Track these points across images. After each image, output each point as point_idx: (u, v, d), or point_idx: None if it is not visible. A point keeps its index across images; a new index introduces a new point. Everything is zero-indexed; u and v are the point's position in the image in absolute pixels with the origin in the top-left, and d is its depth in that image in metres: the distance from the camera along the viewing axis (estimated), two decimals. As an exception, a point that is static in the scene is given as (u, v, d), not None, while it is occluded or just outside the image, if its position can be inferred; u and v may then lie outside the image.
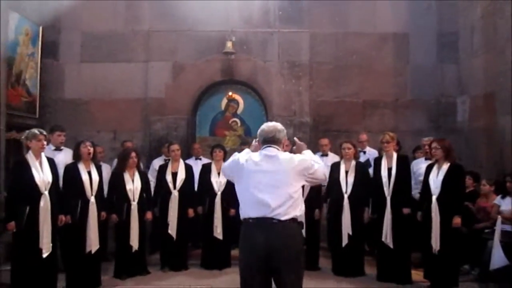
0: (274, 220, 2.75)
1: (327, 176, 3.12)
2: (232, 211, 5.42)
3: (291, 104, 7.21)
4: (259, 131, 3.02)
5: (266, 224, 2.75)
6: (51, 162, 4.50)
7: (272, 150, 2.91)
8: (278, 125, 3.02)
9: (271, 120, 7.04)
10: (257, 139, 3.06)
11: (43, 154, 4.42)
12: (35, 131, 4.32)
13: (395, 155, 5.11)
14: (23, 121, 6.36)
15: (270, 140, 2.94)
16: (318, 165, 2.96)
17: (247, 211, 2.86)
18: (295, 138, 5.38)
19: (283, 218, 2.76)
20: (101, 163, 5.84)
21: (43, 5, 6.74)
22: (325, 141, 6.53)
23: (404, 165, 5.09)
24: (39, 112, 6.83)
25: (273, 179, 2.80)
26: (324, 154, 6.45)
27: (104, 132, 7.19)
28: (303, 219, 3.00)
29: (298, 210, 2.85)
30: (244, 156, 3.00)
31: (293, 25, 7.26)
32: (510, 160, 5.81)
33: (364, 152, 6.39)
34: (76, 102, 7.20)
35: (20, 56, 6.41)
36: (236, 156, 3.06)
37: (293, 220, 2.81)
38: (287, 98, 7.21)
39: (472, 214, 5.42)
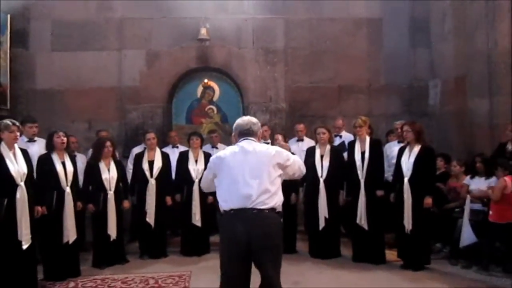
0: (253, 210, 2.82)
1: (303, 170, 3.17)
2: (210, 198, 5.45)
3: (267, 90, 7.25)
4: (234, 125, 3.12)
5: (246, 214, 2.82)
6: (25, 153, 4.42)
7: (248, 142, 3.00)
8: (253, 119, 3.13)
9: (247, 107, 7.25)
10: (233, 133, 3.13)
11: (16, 146, 4.35)
12: (8, 122, 4.24)
13: (368, 139, 5.22)
14: (-7, 112, 6.24)
15: (246, 132, 3.04)
16: (294, 158, 3.09)
17: (226, 203, 2.92)
18: (279, 137, 5.51)
19: (262, 207, 2.83)
20: (76, 153, 5.82)
21: (11, -7, 6.57)
22: (300, 126, 6.61)
23: (377, 148, 5.20)
24: (10, 103, 6.68)
25: (251, 170, 2.88)
26: (300, 139, 6.54)
27: (78, 122, 7.10)
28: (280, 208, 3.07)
29: (277, 200, 2.92)
30: (222, 151, 3.12)
31: (267, 11, 7.25)
32: (479, 141, 6.00)
33: (340, 137, 6.50)
34: (48, 92, 7.07)
35: (-12, 46, 6.26)
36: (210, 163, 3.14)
37: (272, 209, 2.89)
38: (263, 84, 7.24)
39: (443, 195, 5.59)
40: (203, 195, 5.54)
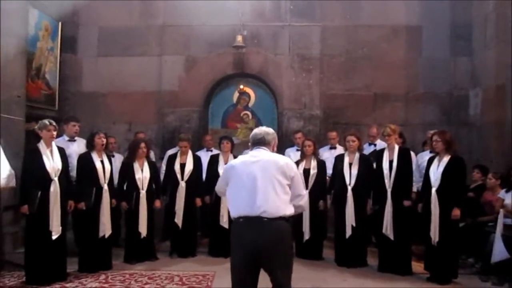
0: (263, 219, 2.84)
1: (305, 198, 3.17)
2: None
3: (301, 97, 7.29)
4: (251, 135, 3.18)
5: (255, 222, 2.85)
6: (61, 151, 4.76)
7: (259, 151, 3.05)
8: (269, 129, 3.17)
9: (281, 113, 7.33)
10: (249, 143, 3.19)
11: (53, 143, 4.69)
12: (46, 121, 4.59)
13: (396, 148, 5.15)
14: (43, 113, 6.64)
15: (258, 142, 3.08)
16: (300, 178, 3.11)
17: (236, 210, 2.95)
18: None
19: (272, 217, 2.85)
20: (114, 153, 6.12)
21: (62, 1, 7.02)
22: (333, 134, 6.61)
23: (405, 158, 5.12)
24: (58, 104, 7.13)
25: (259, 178, 2.90)
26: (333, 147, 6.54)
27: (119, 124, 7.45)
28: (306, 208, 3.11)
29: (285, 209, 2.92)
30: (234, 160, 3.21)
31: (304, 18, 7.32)
32: (518, 153, 5.76)
33: (375, 145, 6.43)
34: (93, 95, 7.47)
35: (40, 51, 6.71)
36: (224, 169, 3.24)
37: (282, 218, 2.89)
38: (298, 91, 7.29)
39: (478, 206, 5.40)
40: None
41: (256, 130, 3.17)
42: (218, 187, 3.28)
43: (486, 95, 6.67)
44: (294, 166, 3.10)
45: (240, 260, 2.90)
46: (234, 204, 2.99)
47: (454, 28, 7.24)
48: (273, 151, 3.13)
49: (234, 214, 2.98)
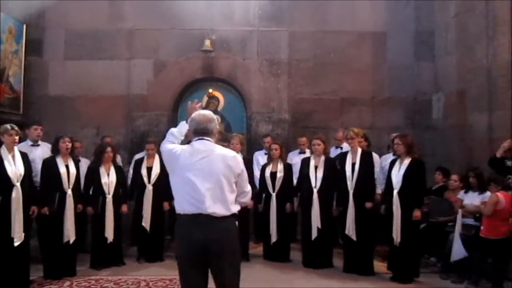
0: (211, 217, 2.72)
1: (249, 195, 3.02)
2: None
3: (270, 101, 7.37)
4: (189, 120, 2.94)
5: (203, 221, 2.71)
6: (24, 156, 4.69)
7: (202, 143, 2.83)
8: (210, 115, 2.92)
9: (250, 117, 7.38)
10: (188, 129, 2.99)
11: (16, 148, 4.61)
12: (7, 126, 4.52)
13: (359, 151, 5.27)
14: (7, 117, 6.48)
15: (201, 131, 2.85)
16: (246, 178, 2.96)
17: (182, 206, 2.78)
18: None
19: (220, 215, 2.74)
20: (81, 158, 6.04)
21: (27, 3, 6.90)
22: (303, 139, 6.71)
23: (367, 160, 5.26)
24: (24, 108, 7.00)
25: (205, 174, 2.75)
26: (302, 152, 6.63)
27: (87, 128, 7.34)
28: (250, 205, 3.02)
29: (234, 207, 2.83)
30: (177, 148, 2.90)
31: (272, 23, 7.41)
32: (478, 155, 5.97)
33: (341, 148, 6.54)
34: (60, 99, 7.35)
35: (4, 53, 6.58)
36: (170, 144, 2.95)
37: (230, 216, 2.79)
38: (266, 95, 7.37)
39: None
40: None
41: (196, 117, 2.89)
42: (164, 151, 2.96)
43: (448, 100, 6.90)
44: (241, 161, 2.92)
45: (188, 261, 2.76)
46: (178, 200, 2.81)
47: (417, 35, 7.46)
48: (215, 138, 2.91)
49: (179, 210, 2.81)
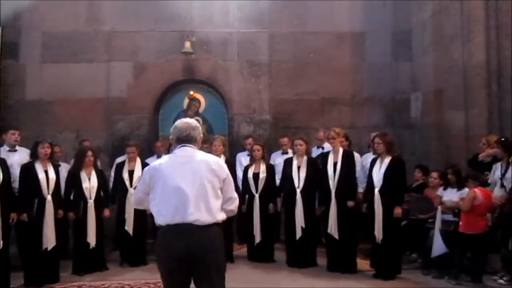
0: (194, 226, 2.60)
1: (236, 202, 2.87)
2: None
3: (251, 102, 7.39)
4: (172, 128, 2.85)
5: (186, 230, 2.59)
6: (2, 162, 4.60)
7: (185, 150, 2.76)
8: (193, 122, 2.85)
9: (231, 118, 7.38)
10: (170, 137, 2.91)
11: (-7, 155, 4.52)
12: (-17, 132, 4.42)
13: (341, 151, 5.34)
14: (-17, 122, 6.40)
15: (184, 139, 2.77)
16: (232, 180, 2.85)
17: (161, 217, 2.65)
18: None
19: (204, 224, 2.62)
20: (60, 163, 5.95)
21: (2, 5, 6.77)
22: (284, 140, 6.73)
23: (349, 160, 5.33)
24: (0, 113, 6.86)
25: (188, 181, 2.64)
26: (285, 152, 6.66)
27: (66, 132, 7.25)
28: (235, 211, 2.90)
29: (219, 214, 2.70)
30: (157, 161, 2.85)
31: (252, 25, 7.44)
32: (456, 153, 6.11)
33: (323, 148, 6.60)
34: (38, 103, 7.24)
35: (-21, 57, 6.45)
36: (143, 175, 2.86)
37: (214, 224, 2.67)
38: (247, 96, 7.39)
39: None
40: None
41: (179, 124, 2.81)
42: (137, 197, 2.91)
43: (426, 99, 7.04)
44: (226, 166, 2.83)
45: (169, 269, 2.64)
46: (161, 212, 2.66)
47: (395, 35, 7.58)
48: (198, 147, 2.83)
49: (160, 221, 2.67)
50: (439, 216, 5.09)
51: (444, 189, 5.37)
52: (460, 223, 4.87)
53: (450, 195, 5.24)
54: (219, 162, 2.80)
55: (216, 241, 2.68)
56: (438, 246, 4.97)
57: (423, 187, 5.92)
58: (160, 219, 2.67)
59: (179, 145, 2.78)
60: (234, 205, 2.86)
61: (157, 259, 2.76)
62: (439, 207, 5.14)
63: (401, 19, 7.53)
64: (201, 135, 2.87)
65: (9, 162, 4.93)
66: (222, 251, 2.76)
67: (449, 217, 5.15)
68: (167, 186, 2.65)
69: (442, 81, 6.52)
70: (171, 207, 2.62)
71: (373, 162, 5.14)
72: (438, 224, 5.05)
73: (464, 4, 6.02)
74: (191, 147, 2.77)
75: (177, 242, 2.59)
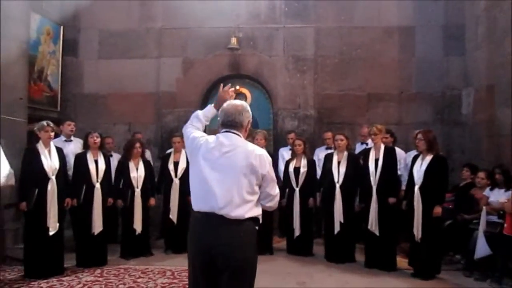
0: (223, 218, 2.45)
1: (276, 199, 2.65)
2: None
3: (296, 97, 7.44)
4: (220, 110, 2.68)
5: (214, 221, 2.46)
6: (59, 151, 4.99)
7: (228, 136, 2.55)
8: (240, 105, 2.62)
9: (276, 113, 7.47)
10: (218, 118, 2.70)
11: (52, 144, 4.91)
12: (44, 123, 4.82)
13: (382, 147, 5.28)
14: (45, 114, 6.87)
15: (229, 124, 2.58)
16: (273, 177, 2.62)
17: (196, 202, 2.56)
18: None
19: (232, 217, 2.45)
20: (113, 153, 6.32)
21: (63, 5, 7.28)
22: (328, 134, 6.74)
23: (390, 156, 5.26)
24: (60, 106, 7.37)
25: (225, 171, 2.48)
26: (329, 147, 6.67)
27: (119, 125, 7.65)
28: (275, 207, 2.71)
29: (252, 211, 2.52)
30: (200, 138, 2.63)
31: (298, 20, 7.47)
32: (505, 152, 5.84)
33: (366, 144, 6.55)
34: (94, 96, 7.70)
35: (42, 54, 6.95)
36: (194, 131, 2.73)
37: (247, 220, 2.49)
38: (292, 91, 7.44)
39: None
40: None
41: (226, 107, 2.62)
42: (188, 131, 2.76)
43: (478, 95, 6.75)
44: (269, 161, 2.57)
45: (196, 263, 2.52)
46: (194, 196, 2.58)
47: (446, 29, 7.33)
48: (245, 134, 2.63)
49: (194, 207, 2.57)
50: (483, 217, 4.91)
51: (491, 189, 5.18)
52: (505, 225, 4.68)
53: (497, 196, 5.05)
54: (261, 157, 2.53)
55: (246, 237, 2.49)
56: (482, 248, 4.80)
57: (471, 187, 5.72)
58: (193, 204, 2.57)
59: (223, 130, 2.60)
60: (273, 202, 2.64)
61: (188, 247, 2.60)
62: (484, 207, 4.97)
63: (453, 13, 7.26)
64: (250, 119, 2.65)
65: (65, 151, 5.30)
66: (253, 248, 2.55)
67: (495, 218, 4.96)
68: (202, 172, 2.51)
69: (494, 77, 6.22)
70: (204, 195, 2.50)
71: (414, 159, 5.05)
72: (482, 225, 4.88)
73: (518, -3, 5.72)
74: (235, 133, 2.57)
75: (205, 234, 2.47)
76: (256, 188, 2.54)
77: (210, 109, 2.86)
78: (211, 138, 2.61)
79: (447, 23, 7.32)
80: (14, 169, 4.91)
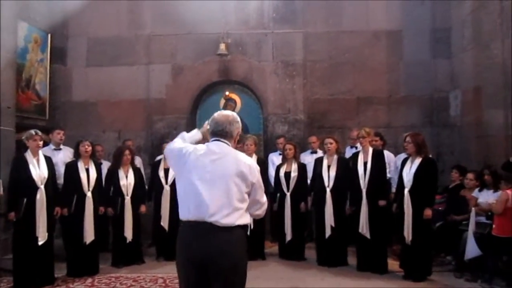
0: (212, 226, 2.45)
1: (264, 207, 2.71)
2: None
3: (286, 102, 7.46)
4: (210, 118, 2.70)
5: (204, 230, 2.46)
6: (48, 159, 4.95)
7: (218, 145, 2.58)
8: (231, 116, 2.66)
9: (266, 118, 7.48)
10: (207, 126, 2.73)
11: (40, 152, 4.88)
12: (32, 131, 4.79)
13: (371, 150, 5.31)
14: (34, 122, 6.81)
15: (218, 133, 2.61)
16: (262, 185, 2.66)
17: (184, 211, 2.56)
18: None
19: (222, 224, 2.46)
20: (103, 161, 6.29)
21: (52, 13, 7.24)
22: (313, 138, 6.80)
23: (379, 159, 5.29)
24: (49, 114, 7.31)
25: (214, 179, 2.50)
26: (314, 151, 6.70)
27: (109, 132, 7.62)
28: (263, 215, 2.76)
29: (241, 218, 2.54)
30: (188, 147, 2.64)
31: (286, 25, 7.50)
32: (494, 153, 5.90)
33: (356, 148, 6.57)
34: (83, 104, 7.65)
35: (30, 62, 6.89)
36: (180, 143, 2.72)
37: (236, 227, 2.51)
38: (282, 96, 7.46)
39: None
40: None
41: (217, 117, 2.66)
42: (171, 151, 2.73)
43: (466, 97, 6.83)
44: (257, 170, 2.62)
45: (187, 271, 2.55)
46: (181, 204, 2.60)
47: (433, 32, 7.40)
48: (234, 144, 2.67)
49: (181, 216, 2.59)
50: (473, 218, 4.96)
51: (480, 190, 5.23)
52: (493, 225, 4.72)
53: (486, 197, 5.09)
54: (251, 166, 2.59)
55: (236, 244, 2.51)
56: (472, 249, 4.84)
57: (461, 188, 5.77)
58: (181, 213, 2.58)
59: (213, 139, 2.63)
60: (261, 210, 2.69)
61: (176, 255, 2.63)
62: (473, 208, 5.01)
63: (440, 16, 7.34)
64: (239, 130, 2.69)
65: (54, 160, 5.27)
66: (243, 256, 2.58)
67: (484, 219, 5.01)
68: (191, 180, 2.52)
69: (481, 79, 6.30)
70: (193, 203, 2.50)
71: (404, 162, 5.08)
72: (472, 226, 4.92)
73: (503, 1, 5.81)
74: (225, 142, 2.61)
75: (194, 242, 2.48)
76: (246, 196, 2.57)
77: (196, 133, 2.88)
78: (200, 146, 2.65)
79: (434, 26, 7.40)
80: (2, 178, 4.89)
